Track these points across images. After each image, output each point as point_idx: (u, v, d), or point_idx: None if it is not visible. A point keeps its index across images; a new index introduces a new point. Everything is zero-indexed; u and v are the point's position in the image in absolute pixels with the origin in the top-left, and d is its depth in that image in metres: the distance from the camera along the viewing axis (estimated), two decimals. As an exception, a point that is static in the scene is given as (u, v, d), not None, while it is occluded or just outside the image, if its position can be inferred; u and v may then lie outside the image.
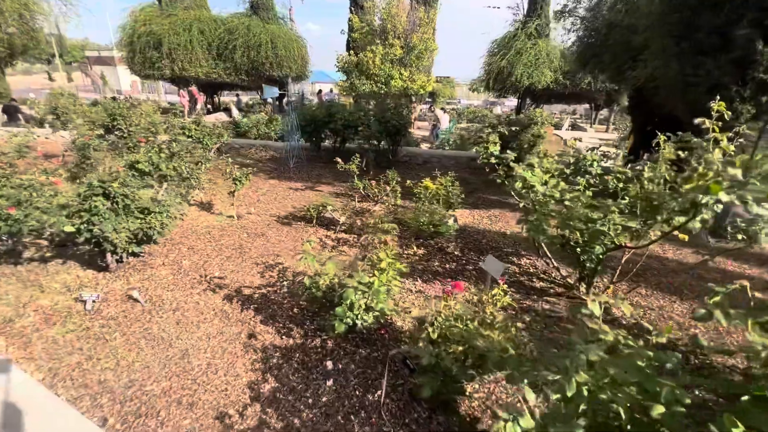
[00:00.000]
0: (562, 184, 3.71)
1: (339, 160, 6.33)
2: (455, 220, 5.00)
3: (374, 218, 5.05)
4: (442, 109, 26.71)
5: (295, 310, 3.69)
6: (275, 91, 22.39)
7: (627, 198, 3.76)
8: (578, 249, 3.62)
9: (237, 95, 36.82)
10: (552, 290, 4.14)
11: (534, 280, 4.34)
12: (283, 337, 3.36)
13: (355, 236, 5.17)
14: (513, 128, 9.19)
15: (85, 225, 3.51)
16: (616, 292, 4.08)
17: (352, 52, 17.84)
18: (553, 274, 4.44)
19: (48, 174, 4.64)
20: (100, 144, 7.15)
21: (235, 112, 25.32)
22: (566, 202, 3.55)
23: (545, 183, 3.71)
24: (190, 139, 8.06)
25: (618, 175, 4.18)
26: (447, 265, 4.51)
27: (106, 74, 47.42)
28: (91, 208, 3.49)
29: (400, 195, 6.22)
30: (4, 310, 3.53)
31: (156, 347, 3.21)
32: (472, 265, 4.52)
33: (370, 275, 3.11)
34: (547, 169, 3.98)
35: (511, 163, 3.94)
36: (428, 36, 17.80)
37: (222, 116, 25.21)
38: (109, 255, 3.81)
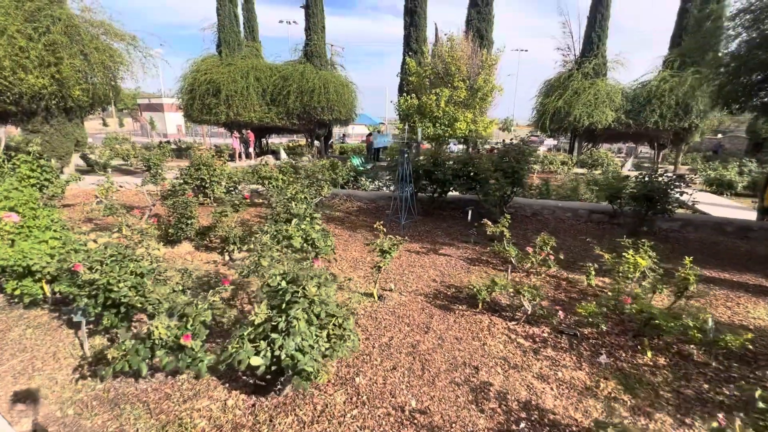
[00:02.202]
0: None
1: (488, 222, 5.21)
2: (712, 322, 3.53)
3: (580, 306, 3.79)
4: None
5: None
6: (386, 140, 21.78)
7: None
8: None
9: (343, 135, 37.21)
10: None
11: None
12: None
13: (549, 330, 3.92)
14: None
15: (269, 347, 2.39)
16: None
17: (412, 95, 17.45)
18: None
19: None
20: (195, 200, 6.36)
21: (282, 155, 25.34)
22: None
23: None
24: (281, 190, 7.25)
25: None
26: (700, 384, 3.16)
27: (155, 119, 50.09)
28: (283, 328, 2.35)
29: (554, 262, 5.01)
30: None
31: None
32: (733, 383, 3.16)
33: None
34: None
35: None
36: (492, 77, 17.27)
37: (270, 159, 25.23)
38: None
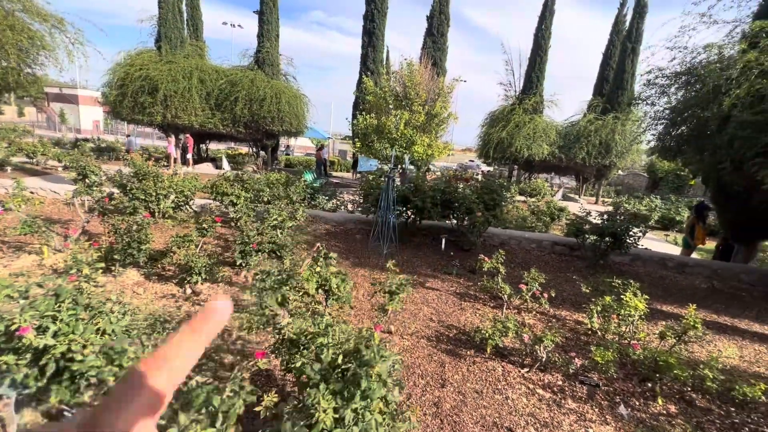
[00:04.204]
0: None
1: (485, 258, 5.10)
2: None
3: (596, 353, 3.75)
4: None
5: None
6: (372, 165, 20.19)
7: None
8: None
9: (287, 146, 34.86)
10: None
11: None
12: None
13: (563, 378, 3.82)
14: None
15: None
16: None
17: (372, 114, 17.39)
18: None
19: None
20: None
21: (225, 164, 23.57)
22: None
23: None
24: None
25: None
26: None
27: (66, 111, 43.93)
28: (350, 422, 1.72)
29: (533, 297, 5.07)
30: None
31: None
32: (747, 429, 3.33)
33: None
34: None
35: None
36: (448, 105, 17.92)
37: (209, 167, 23.30)
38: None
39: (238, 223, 5.68)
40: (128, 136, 25.34)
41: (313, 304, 3.25)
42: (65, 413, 2.56)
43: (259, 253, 4.52)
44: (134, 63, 18.43)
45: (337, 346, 2.07)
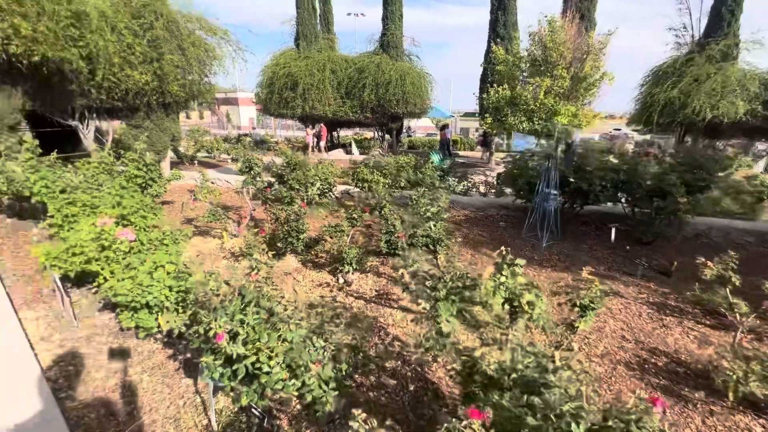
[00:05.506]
0: None
1: (709, 263, 3.74)
2: None
3: None
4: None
5: None
6: (529, 141, 19.49)
7: None
8: None
9: (408, 127, 35.86)
10: None
11: None
12: None
13: None
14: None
15: None
16: None
17: (504, 85, 15.71)
18: None
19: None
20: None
21: (354, 149, 24.87)
22: None
23: None
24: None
25: None
26: None
27: (230, 112, 52.98)
28: None
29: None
30: None
31: None
32: None
33: None
34: None
35: None
36: (601, 64, 14.97)
37: (340, 153, 24.89)
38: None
39: (383, 211, 5.51)
40: (253, 128, 28.85)
41: (494, 321, 2.69)
42: (253, 410, 2.60)
43: (412, 247, 4.21)
44: (278, 62, 20.57)
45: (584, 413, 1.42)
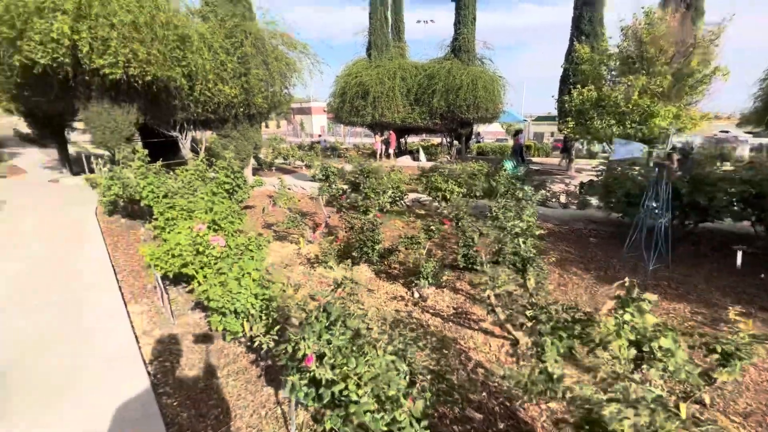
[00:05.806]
0: None
1: None
2: None
3: None
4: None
5: None
6: (636, 148, 18.71)
7: None
8: None
9: (477, 133, 34.91)
10: None
11: None
12: None
13: None
14: None
15: None
16: None
17: (589, 86, 14.37)
18: None
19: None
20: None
21: (422, 155, 24.67)
22: None
23: None
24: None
25: None
26: None
27: (303, 121, 56.10)
28: None
29: None
30: None
31: None
32: None
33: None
34: None
35: None
36: (711, 57, 12.98)
37: (408, 160, 24.83)
38: None
39: (459, 223, 5.22)
40: (320, 135, 29.76)
41: (618, 368, 2.27)
42: (334, 433, 2.49)
43: (496, 264, 3.87)
44: (351, 72, 21.20)
45: None
